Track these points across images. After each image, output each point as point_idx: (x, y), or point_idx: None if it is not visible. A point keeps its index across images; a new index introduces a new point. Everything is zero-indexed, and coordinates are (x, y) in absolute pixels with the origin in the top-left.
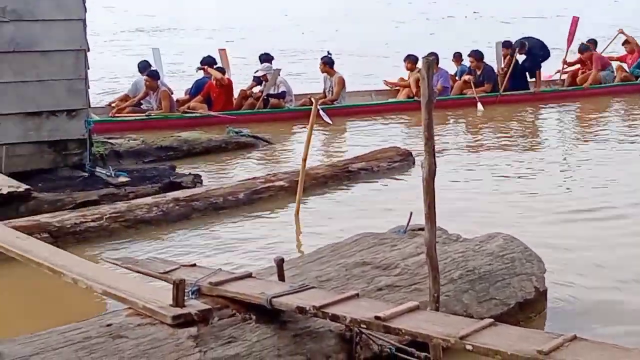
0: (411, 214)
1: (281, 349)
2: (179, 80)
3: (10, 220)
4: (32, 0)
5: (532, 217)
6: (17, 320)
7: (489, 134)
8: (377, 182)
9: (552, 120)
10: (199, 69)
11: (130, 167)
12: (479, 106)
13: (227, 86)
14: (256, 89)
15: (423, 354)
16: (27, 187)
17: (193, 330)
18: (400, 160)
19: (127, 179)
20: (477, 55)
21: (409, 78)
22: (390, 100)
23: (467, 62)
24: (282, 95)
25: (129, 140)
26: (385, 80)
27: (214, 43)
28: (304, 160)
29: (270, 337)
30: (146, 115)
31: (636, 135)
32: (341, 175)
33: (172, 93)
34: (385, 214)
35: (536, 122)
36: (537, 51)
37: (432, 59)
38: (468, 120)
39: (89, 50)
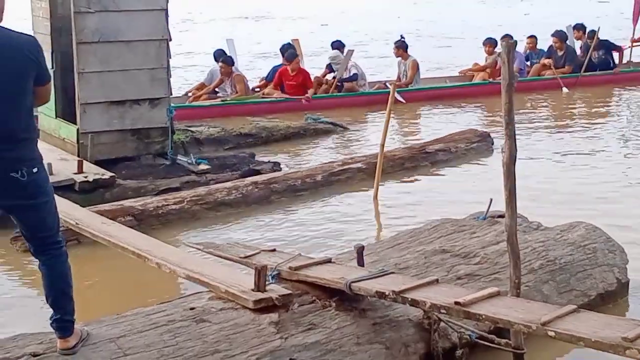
0: (491, 200)
1: (360, 337)
2: (256, 70)
3: (97, 206)
4: None
5: (616, 205)
6: (104, 302)
7: (569, 116)
8: (455, 165)
9: (636, 102)
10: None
11: (210, 154)
12: (564, 89)
13: (302, 74)
14: (330, 76)
15: (504, 341)
16: (112, 174)
17: (274, 316)
18: (479, 142)
19: (207, 167)
20: (560, 35)
21: (486, 61)
22: (465, 83)
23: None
24: (354, 78)
25: (209, 128)
26: (460, 70)
27: (293, 32)
28: (382, 145)
29: (350, 324)
30: (222, 101)
31: None
32: (418, 157)
33: (246, 79)
34: (464, 199)
35: (618, 104)
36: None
37: (513, 42)
38: (547, 102)
39: (170, 39)
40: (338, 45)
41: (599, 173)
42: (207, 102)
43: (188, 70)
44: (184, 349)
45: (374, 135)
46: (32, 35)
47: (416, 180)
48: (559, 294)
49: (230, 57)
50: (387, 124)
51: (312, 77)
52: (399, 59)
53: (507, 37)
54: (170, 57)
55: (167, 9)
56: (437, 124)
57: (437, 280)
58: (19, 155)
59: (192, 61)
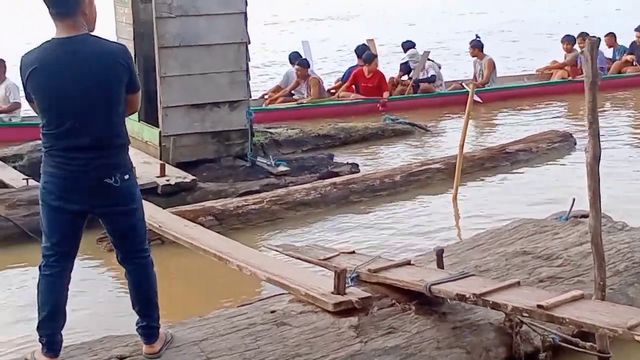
0: (574, 200)
1: (440, 342)
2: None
3: (180, 207)
4: None
5: None
6: (186, 302)
7: None
8: (536, 165)
9: None
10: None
11: (289, 156)
12: None
13: (377, 75)
14: (405, 77)
15: (588, 344)
16: (193, 177)
17: (354, 319)
18: (560, 142)
19: (286, 169)
20: None
21: (565, 59)
22: (544, 82)
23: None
24: (432, 79)
25: (287, 130)
26: (538, 69)
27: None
28: (461, 145)
29: (430, 328)
30: (297, 104)
31: None
32: (499, 158)
33: (321, 81)
34: (545, 199)
35: None
36: None
37: (596, 39)
38: (629, 100)
39: (249, 42)
40: (409, 45)
41: None
42: (284, 105)
43: (265, 74)
44: (265, 353)
45: (451, 136)
46: (120, 42)
47: (496, 180)
48: None
49: (306, 59)
50: (466, 124)
51: (387, 79)
52: (475, 58)
53: (582, 35)
54: (249, 60)
55: (246, 12)
56: (515, 124)
57: (518, 283)
58: (113, 162)
59: (269, 64)
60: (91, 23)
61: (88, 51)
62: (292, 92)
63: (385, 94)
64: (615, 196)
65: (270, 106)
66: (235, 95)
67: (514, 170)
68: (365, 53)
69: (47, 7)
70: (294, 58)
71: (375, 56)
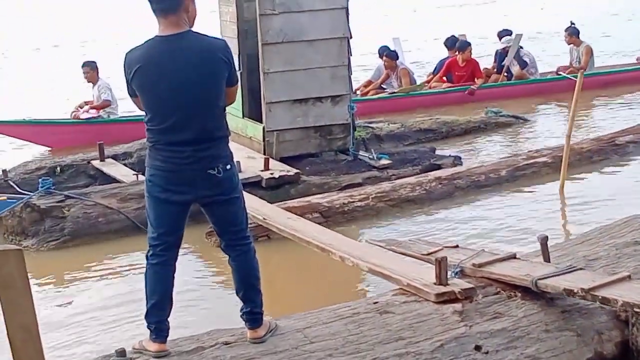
0: None
1: (549, 325)
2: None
3: (285, 202)
4: None
5: None
6: (291, 295)
7: None
8: None
9: None
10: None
11: (391, 150)
12: None
13: (471, 64)
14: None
15: None
16: (297, 171)
17: (458, 306)
18: None
19: (388, 162)
20: None
21: None
22: None
23: None
24: (523, 65)
25: (389, 124)
26: (638, 57)
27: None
28: (568, 136)
29: (537, 312)
30: (388, 94)
31: None
32: (608, 150)
33: (411, 73)
34: None
35: None
36: None
37: None
38: None
39: (351, 37)
40: (505, 34)
41: None
42: (375, 96)
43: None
44: (368, 337)
45: (553, 126)
46: (221, 38)
47: (605, 173)
48: None
49: (394, 51)
50: (573, 113)
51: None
52: (571, 46)
53: None
54: (351, 55)
55: (347, 7)
56: (617, 112)
57: (629, 277)
58: (215, 153)
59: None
60: (192, 20)
61: (191, 48)
62: (383, 85)
63: (479, 81)
64: None
65: (361, 98)
66: (337, 90)
67: (623, 163)
68: (460, 41)
69: (150, 3)
70: (383, 51)
71: (469, 44)
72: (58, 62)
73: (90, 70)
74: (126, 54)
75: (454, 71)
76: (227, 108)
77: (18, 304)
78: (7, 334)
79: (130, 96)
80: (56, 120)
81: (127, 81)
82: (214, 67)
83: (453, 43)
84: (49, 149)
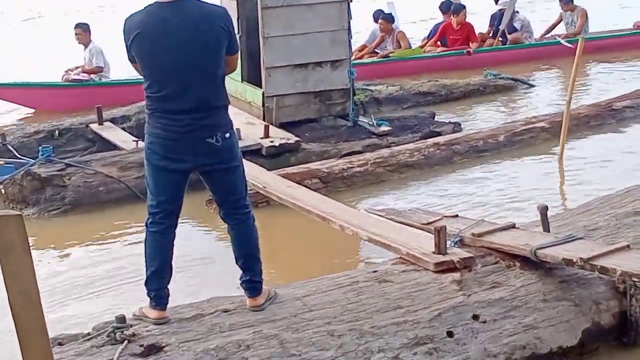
0: None
1: (547, 294)
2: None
3: (284, 169)
4: None
5: None
6: (290, 264)
7: None
8: None
9: None
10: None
11: (389, 114)
12: None
13: (466, 27)
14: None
15: None
16: (297, 138)
17: (456, 275)
18: None
19: (388, 128)
20: None
21: None
22: None
23: None
24: (514, 29)
25: (387, 87)
26: (635, 23)
27: None
28: (569, 102)
29: (535, 282)
30: (384, 56)
31: None
32: (605, 115)
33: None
34: None
35: None
36: None
37: None
38: None
39: (351, 0)
40: None
41: None
42: (369, 60)
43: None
44: (366, 305)
45: (550, 90)
46: (220, 5)
47: (603, 139)
48: None
49: (390, 14)
50: (573, 79)
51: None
52: (565, 12)
53: None
54: (351, 18)
55: None
56: (611, 77)
57: (628, 246)
58: (214, 122)
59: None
60: None
61: (190, 15)
62: (377, 49)
63: (474, 45)
64: None
65: (357, 61)
66: (337, 55)
67: (621, 129)
68: (454, 4)
69: None
70: (378, 16)
71: (464, 7)
72: (45, 31)
73: (83, 32)
74: (126, 19)
75: (449, 35)
76: None
77: (18, 269)
78: (8, 299)
79: (130, 62)
80: (48, 82)
81: (126, 47)
82: (214, 35)
83: (448, 7)
84: (33, 110)
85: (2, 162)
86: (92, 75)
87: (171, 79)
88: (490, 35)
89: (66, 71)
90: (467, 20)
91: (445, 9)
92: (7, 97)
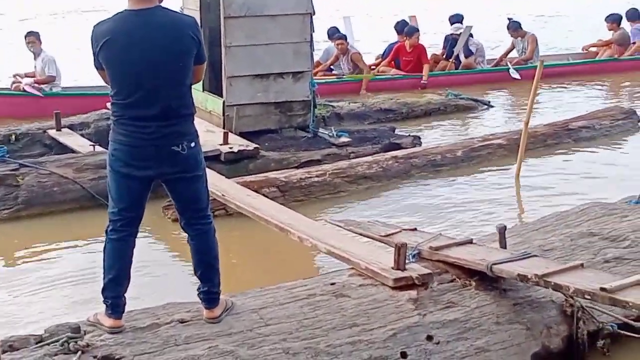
0: None
1: (500, 317)
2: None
3: (243, 177)
4: None
5: None
6: (247, 274)
7: None
8: (599, 142)
9: None
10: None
11: (352, 127)
12: None
13: (418, 50)
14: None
15: None
16: (256, 145)
17: (413, 293)
18: (624, 119)
19: (348, 139)
20: None
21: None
22: (592, 59)
23: None
24: (470, 53)
25: (349, 103)
26: (584, 46)
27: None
28: (527, 123)
29: (490, 304)
30: (337, 78)
31: None
32: (562, 134)
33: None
34: (611, 179)
35: None
36: None
37: None
38: None
39: (314, 14)
40: (456, 19)
41: None
42: (323, 79)
43: None
44: (322, 322)
45: (507, 111)
46: (187, 14)
47: (559, 158)
48: None
49: (345, 35)
50: (532, 100)
51: (430, 55)
52: (516, 39)
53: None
54: (313, 31)
55: None
56: (560, 101)
57: (582, 265)
58: (180, 130)
59: None
60: None
61: (159, 23)
62: (332, 67)
63: (426, 68)
64: None
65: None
66: (298, 66)
67: (577, 148)
68: (408, 26)
69: None
70: (333, 34)
71: (417, 30)
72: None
73: (35, 40)
74: (94, 26)
75: (402, 56)
76: None
77: None
78: None
79: (96, 68)
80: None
81: (94, 53)
82: (183, 44)
83: (402, 27)
84: None
85: None
86: (43, 85)
87: (138, 86)
88: (444, 57)
89: (14, 75)
90: (420, 42)
91: (400, 29)
92: None
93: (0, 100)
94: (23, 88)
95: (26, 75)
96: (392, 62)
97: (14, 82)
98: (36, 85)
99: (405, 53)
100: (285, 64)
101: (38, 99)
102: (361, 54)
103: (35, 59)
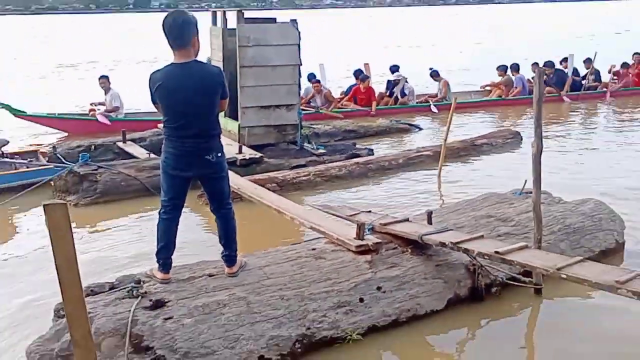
0: (525, 181)
1: (427, 274)
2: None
3: (253, 176)
4: (266, 32)
5: (618, 186)
6: (255, 242)
7: (572, 123)
8: (496, 154)
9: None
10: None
11: (326, 143)
12: (566, 99)
13: (369, 91)
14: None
15: (528, 279)
16: (261, 154)
17: (368, 257)
18: (512, 138)
19: (324, 151)
20: (550, 64)
21: (500, 80)
22: (486, 98)
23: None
24: (404, 94)
25: (324, 126)
26: (481, 85)
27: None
28: (445, 140)
29: (420, 265)
30: (315, 110)
31: None
32: (469, 148)
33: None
34: (503, 179)
35: (612, 114)
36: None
37: (543, 69)
38: (549, 112)
39: (301, 64)
40: (395, 69)
41: (604, 161)
42: (305, 110)
43: None
44: (307, 276)
45: (431, 132)
46: (214, 64)
47: (468, 164)
48: (572, 249)
49: (319, 80)
50: (448, 126)
51: (377, 93)
52: (436, 82)
53: (533, 64)
54: (300, 77)
55: (299, 44)
56: (467, 125)
57: (482, 236)
58: (211, 145)
59: None
60: (196, 52)
61: (196, 73)
62: (310, 101)
63: (374, 104)
64: (557, 178)
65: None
66: (290, 100)
67: (480, 158)
68: (362, 75)
69: (169, 39)
70: (311, 77)
71: (368, 77)
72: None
73: (106, 81)
74: (151, 74)
75: (358, 95)
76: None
77: (63, 241)
78: (55, 263)
79: (153, 103)
80: (79, 115)
81: (151, 93)
82: (212, 87)
83: (358, 74)
84: (66, 133)
85: (51, 166)
86: (112, 113)
87: (181, 116)
88: (387, 94)
89: (91, 104)
90: (371, 85)
91: (357, 75)
92: (49, 124)
93: (81, 123)
94: (97, 117)
95: (100, 104)
96: (352, 99)
97: (90, 110)
98: (106, 113)
99: (360, 93)
100: (281, 99)
101: (109, 125)
102: (331, 91)
103: (105, 94)
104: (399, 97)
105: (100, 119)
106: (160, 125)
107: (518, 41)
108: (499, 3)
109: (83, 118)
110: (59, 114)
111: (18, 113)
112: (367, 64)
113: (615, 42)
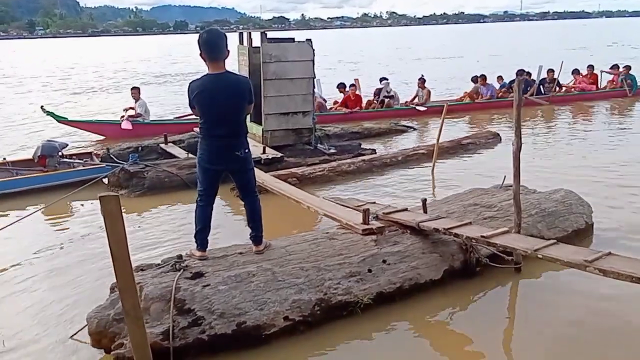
0: (505, 176)
1: (425, 250)
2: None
3: (275, 172)
4: (286, 50)
5: (585, 177)
6: (277, 227)
7: (540, 124)
8: (480, 152)
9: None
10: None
11: (335, 143)
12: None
13: (358, 98)
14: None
15: (510, 258)
16: (281, 154)
17: (374, 237)
18: (493, 138)
19: (334, 151)
20: (520, 72)
21: (471, 90)
22: (460, 102)
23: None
24: (390, 96)
25: (334, 128)
26: (465, 92)
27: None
28: (438, 139)
29: (419, 242)
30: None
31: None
32: (457, 147)
33: (325, 102)
34: (486, 174)
35: (575, 117)
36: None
37: (523, 78)
38: (505, 116)
39: (315, 77)
40: (383, 79)
41: (574, 158)
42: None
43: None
44: (322, 252)
45: (423, 132)
46: (245, 76)
47: (456, 161)
48: (548, 229)
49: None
50: (441, 127)
51: (365, 100)
52: (420, 89)
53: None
54: (314, 88)
55: (313, 60)
56: (452, 127)
57: (470, 222)
58: (239, 143)
59: None
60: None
61: (228, 82)
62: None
63: (357, 109)
64: (532, 173)
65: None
66: (305, 108)
67: (466, 155)
68: (350, 86)
69: (206, 53)
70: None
71: (354, 84)
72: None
73: (137, 92)
74: (190, 83)
75: (349, 102)
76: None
77: (115, 227)
78: (109, 244)
79: (191, 107)
80: (114, 121)
81: (189, 99)
82: (241, 94)
83: (344, 87)
84: (103, 137)
85: (104, 165)
86: (139, 118)
87: (216, 118)
88: (374, 100)
89: (125, 109)
90: (359, 93)
91: (340, 87)
92: (87, 129)
93: (114, 127)
94: (121, 125)
95: (130, 108)
96: (344, 104)
97: (122, 116)
98: (130, 118)
99: (351, 100)
100: (298, 106)
101: (131, 129)
102: (322, 102)
103: (135, 102)
104: (384, 99)
105: (124, 125)
106: (196, 129)
107: (502, 53)
108: (484, 22)
109: (115, 122)
110: (95, 120)
111: (60, 119)
112: (357, 78)
113: (608, 52)
